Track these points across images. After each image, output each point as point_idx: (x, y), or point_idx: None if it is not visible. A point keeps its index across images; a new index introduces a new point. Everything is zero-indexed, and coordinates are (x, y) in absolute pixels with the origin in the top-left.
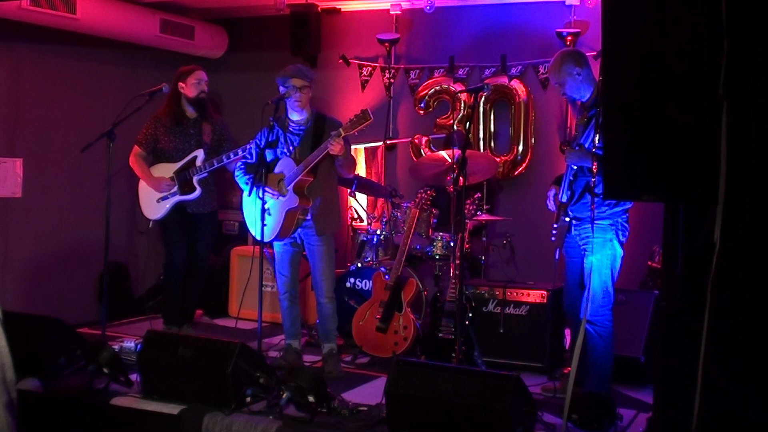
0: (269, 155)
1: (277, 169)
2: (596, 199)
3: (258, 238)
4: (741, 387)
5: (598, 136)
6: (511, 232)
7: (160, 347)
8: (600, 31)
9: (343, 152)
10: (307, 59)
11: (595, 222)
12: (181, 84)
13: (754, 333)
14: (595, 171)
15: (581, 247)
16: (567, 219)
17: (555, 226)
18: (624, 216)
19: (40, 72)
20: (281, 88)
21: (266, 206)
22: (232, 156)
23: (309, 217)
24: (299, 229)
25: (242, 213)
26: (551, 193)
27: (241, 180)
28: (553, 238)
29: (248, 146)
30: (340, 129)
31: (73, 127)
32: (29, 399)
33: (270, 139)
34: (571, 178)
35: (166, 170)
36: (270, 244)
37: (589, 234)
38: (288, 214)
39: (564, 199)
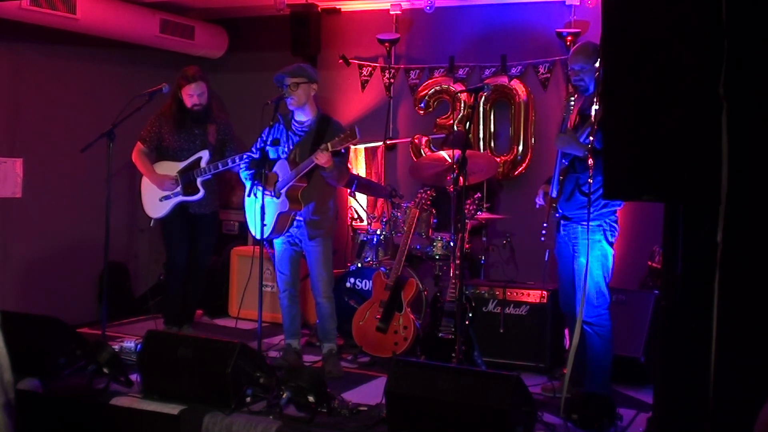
0: (272, 153)
1: (273, 170)
2: (585, 199)
3: (257, 236)
4: (754, 388)
5: (592, 132)
6: (511, 232)
7: (160, 347)
8: (600, 31)
9: (329, 165)
10: (307, 59)
11: (584, 223)
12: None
13: (763, 332)
14: (591, 167)
15: (571, 247)
16: (557, 215)
17: (545, 225)
18: (613, 217)
19: (40, 72)
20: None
21: (263, 204)
22: (237, 160)
23: (302, 219)
24: (296, 229)
25: (244, 211)
26: (542, 191)
27: (243, 175)
28: (542, 238)
29: (252, 149)
30: (328, 144)
31: (73, 127)
32: (29, 399)
33: (273, 137)
34: (561, 168)
35: (169, 169)
36: (271, 243)
37: (577, 234)
38: (280, 217)
39: (554, 194)
